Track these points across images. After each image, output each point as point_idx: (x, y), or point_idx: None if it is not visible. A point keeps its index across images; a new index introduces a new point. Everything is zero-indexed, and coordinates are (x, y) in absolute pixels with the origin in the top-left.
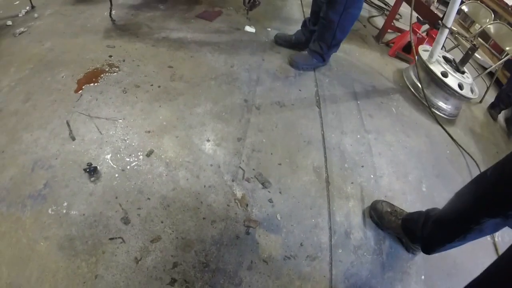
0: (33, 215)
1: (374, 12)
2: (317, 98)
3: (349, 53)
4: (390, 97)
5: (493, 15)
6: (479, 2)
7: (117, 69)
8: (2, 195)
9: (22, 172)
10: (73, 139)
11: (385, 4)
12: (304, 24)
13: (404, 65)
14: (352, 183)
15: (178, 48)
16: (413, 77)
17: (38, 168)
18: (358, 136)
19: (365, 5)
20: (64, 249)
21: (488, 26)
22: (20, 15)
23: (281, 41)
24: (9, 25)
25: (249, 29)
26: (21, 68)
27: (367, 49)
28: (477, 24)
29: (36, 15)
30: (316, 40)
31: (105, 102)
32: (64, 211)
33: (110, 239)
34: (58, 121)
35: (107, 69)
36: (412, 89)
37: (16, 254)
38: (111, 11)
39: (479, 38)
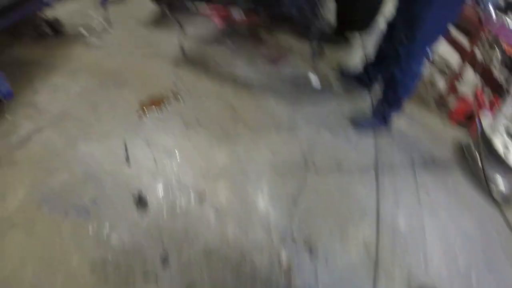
0: (72, 225)
1: (436, 74)
2: (375, 164)
3: (410, 117)
4: (448, 169)
5: None
6: None
7: (181, 100)
8: (48, 196)
9: (72, 180)
10: (128, 162)
11: (447, 67)
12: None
13: (464, 133)
14: (400, 265)
15: (243, 89)
16: (473, 149)
17: (89, 181)
18: (412, 211)
19: (426, 66)
20: (95, 270)
21: None
22: (95, 27)
23: (345, 73)
24: (84, 34)
25: (313, 78)
26: (90, 78)
27: (427, 113)
28: None
29: (111, 31)
30: (380, 100)
31: (165, 132)
32: (105, 232)
33: (144, 273)
34: (117, 140)
35: (171, 98)
36: (470, 162)
37: (46, 258)
38: (182, 41)
39: None
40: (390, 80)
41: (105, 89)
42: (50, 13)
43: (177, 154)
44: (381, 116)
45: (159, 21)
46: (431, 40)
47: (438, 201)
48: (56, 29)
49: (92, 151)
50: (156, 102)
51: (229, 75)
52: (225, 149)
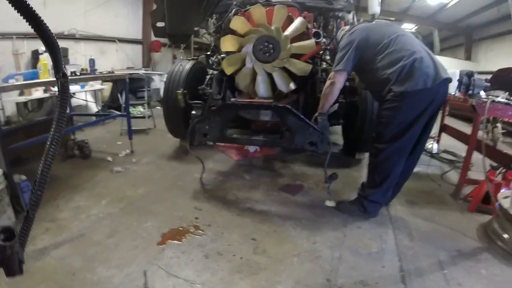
0: None
1: (446, 167)
2: (402, 273)
3: (429, 218)
4: (477, 258)
5: None
6: None
7: (201, 232)
8: None
9: None
10: None
11: (455, 156)
12: None
13: (487, 217)
14: None
15: (262, 221)
16: (498, 229)
17: None
18: None
19: (435, 161)
20: None
21: None
22: (120, 155)
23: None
24: (109, 161)
25: (329, 203)
26: (112, 204)
27: (446, 210)
28: None
29: (134, 160)
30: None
31: (186, 263)
32: None
33: None
34: (136, 268)
35: (192, 230)
36: (499, 243)
37: None
38: (201, 175)
39: None
40: (369, 163)
41: (126, 217)
42: (80, 135)
43: (198, 285)
44: (360, 198)
45: (179, 154)
46: (397, 139)
47: None
48: (84, 151)
49: (110, 275)
50: (177, 234)
51: (248, 208)
52: (247, 281)
